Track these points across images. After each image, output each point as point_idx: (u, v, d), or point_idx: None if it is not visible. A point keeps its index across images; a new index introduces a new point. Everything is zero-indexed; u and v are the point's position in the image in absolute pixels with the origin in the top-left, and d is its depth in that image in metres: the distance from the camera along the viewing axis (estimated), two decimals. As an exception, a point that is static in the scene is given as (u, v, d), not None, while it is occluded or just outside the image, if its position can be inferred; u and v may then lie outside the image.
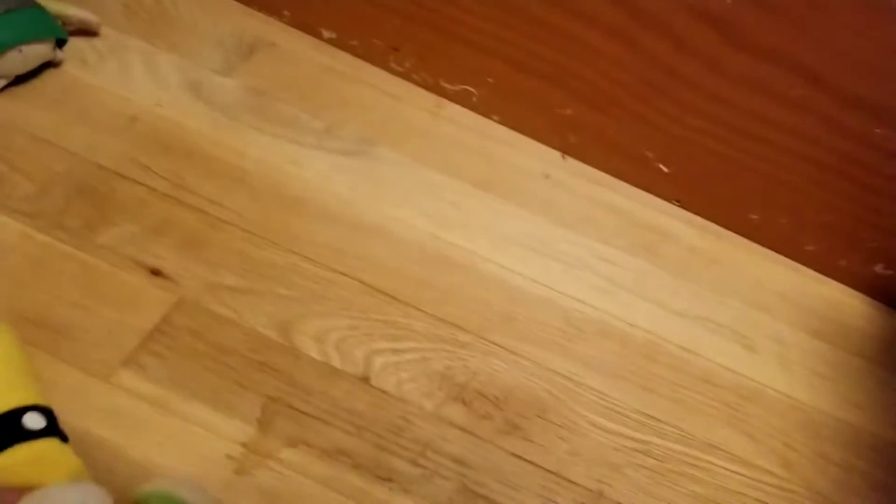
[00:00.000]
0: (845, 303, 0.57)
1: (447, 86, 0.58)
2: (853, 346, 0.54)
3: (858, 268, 0.56)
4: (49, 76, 0.50)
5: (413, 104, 0.59)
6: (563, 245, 0.54)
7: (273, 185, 0.50)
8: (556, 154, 0.58)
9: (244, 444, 0.39)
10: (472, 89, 0.58)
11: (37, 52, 0.48)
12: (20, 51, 0.47)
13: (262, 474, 0.38)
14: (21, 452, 0.30)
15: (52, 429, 0.32)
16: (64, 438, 0.33)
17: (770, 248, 0.58)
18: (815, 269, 0.58)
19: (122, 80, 0.52)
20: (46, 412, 0.33)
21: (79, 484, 0.29)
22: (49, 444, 0.32)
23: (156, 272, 0.44)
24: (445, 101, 0.59)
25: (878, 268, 0.56)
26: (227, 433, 0.39)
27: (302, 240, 0.48)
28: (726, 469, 0.45)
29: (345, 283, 0.47)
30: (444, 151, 0.56)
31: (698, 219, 0.59)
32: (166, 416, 0.39)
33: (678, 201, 0.58)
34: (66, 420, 0.36)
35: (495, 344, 0.47)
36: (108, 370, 0.39)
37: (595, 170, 0.59)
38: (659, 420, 0.46)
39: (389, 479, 0.40)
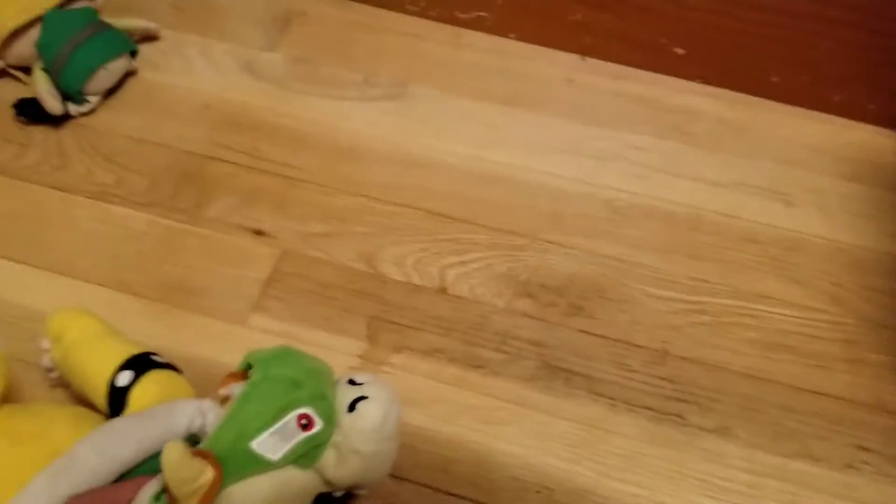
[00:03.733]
0: (877, 143, 0.57)
1: (462, 15, 0.60)
2: (889, 181, 0.54)
3: (886, 108, 0.55)
4: (131, 84, 0.57)
5: (434, 40, 0.61)
6: (595, 142, 0.56)
7: (330, 140, 0.55)
8: (576, 57, 0.59)
9: (360, 356, 0.45)
10: (485, 14, 0.59)
11: (118, 66, 0.54)
12: (106, 69, 0.53)
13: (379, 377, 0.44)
14: (159, 374, 0.36)
15: (170, 365, 0.39)
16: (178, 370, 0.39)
17: (797, 105, 0.58)
18: (845, 117, 0.57)
19: (188, 74, 0.57)
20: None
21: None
22: (171, 372, 0.38)
23: (258, 232, 0.50)
24: (463, 30, 0.61)
25: (907, 103, 0.54)
26: (345, 350, 0.45)
27: (365, 183, 0.53)
28: (779, 314, 0.48)
29: (409, 213, 0.51)
30: (470, 77, 0.59)
31: (723, 91, 0.59)
32: (296, 345, 0.45)
33: (701, 79, 0.58)
34: (216, 359, 0.44)
35: (548, 241, 0.51)
36: (242, 316, 0.46)
37: (615, 65, 0.60)
38: (709, 282, 0.49)
39: (481, 367, 0.45)
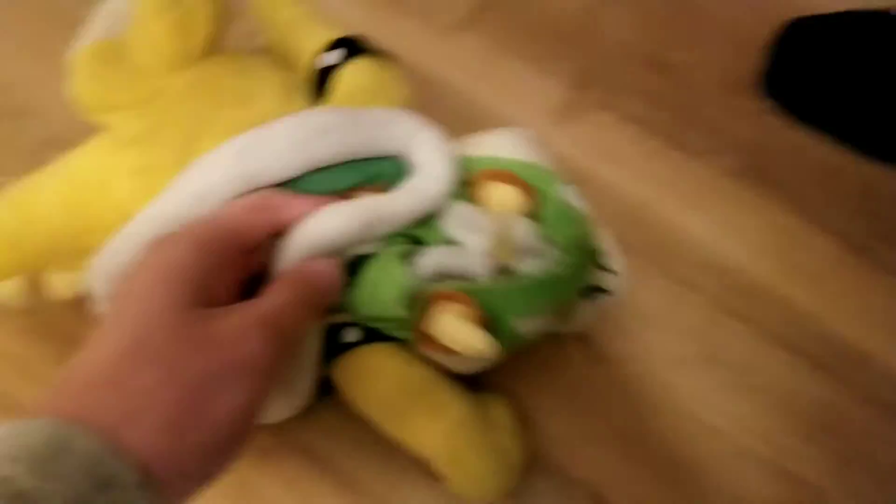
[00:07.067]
0: None
1: None
2: None
3: None
4: None
5: None
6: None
7: None
8: None
9: (563, 103, 0.42)
10: None
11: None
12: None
13: (577, 127, 0.42)
14: (371, 60, 0.32)
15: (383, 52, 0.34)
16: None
17: None
18: None
19: None
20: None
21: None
22: (385, 61, 0.33)
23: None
24: None
25: None
26: (548, 92, 0.43)
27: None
28: None
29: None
30: None
31: None
32: (500, 72, 0.43)
33: None
34: (417, 63, 0.41)
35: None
36: (447, 30, 0.44)
37: None
38: None
39: (684, 149, 0.42)
